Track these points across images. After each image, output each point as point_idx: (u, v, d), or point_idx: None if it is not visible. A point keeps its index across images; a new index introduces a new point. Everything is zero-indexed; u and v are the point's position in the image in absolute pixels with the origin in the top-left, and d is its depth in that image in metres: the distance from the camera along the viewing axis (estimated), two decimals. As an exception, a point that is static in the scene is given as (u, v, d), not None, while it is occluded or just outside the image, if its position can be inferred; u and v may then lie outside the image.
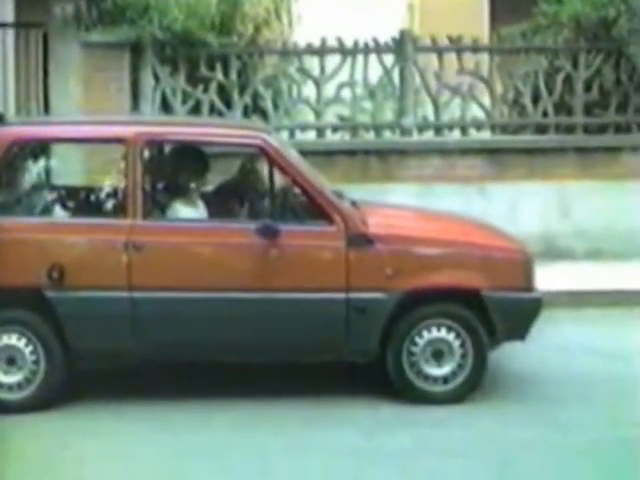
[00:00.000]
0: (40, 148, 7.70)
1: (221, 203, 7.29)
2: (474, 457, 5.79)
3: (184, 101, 10.86)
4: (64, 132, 7.16)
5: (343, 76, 11.11)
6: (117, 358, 6.79)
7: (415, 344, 6.59)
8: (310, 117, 11.23)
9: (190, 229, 6.74)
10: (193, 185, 7.01)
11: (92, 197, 7.34)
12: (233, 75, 10.93)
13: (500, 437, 6.09)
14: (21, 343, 6.48)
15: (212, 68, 10.92)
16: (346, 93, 11.12)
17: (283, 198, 6.96)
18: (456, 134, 11.32)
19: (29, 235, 6.57)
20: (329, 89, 11.10)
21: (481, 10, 15.23)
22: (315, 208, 6.62)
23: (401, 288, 6.52)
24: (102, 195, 7.19)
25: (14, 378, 6.49)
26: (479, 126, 11.44)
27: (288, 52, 11.23)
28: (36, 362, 6.49)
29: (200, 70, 10.90)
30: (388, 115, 11.22)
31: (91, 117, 8.99)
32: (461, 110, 11.25)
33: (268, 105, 10.95)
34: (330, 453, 5.85)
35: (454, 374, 6.62)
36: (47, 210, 7.06)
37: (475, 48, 11.40)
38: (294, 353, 6.77)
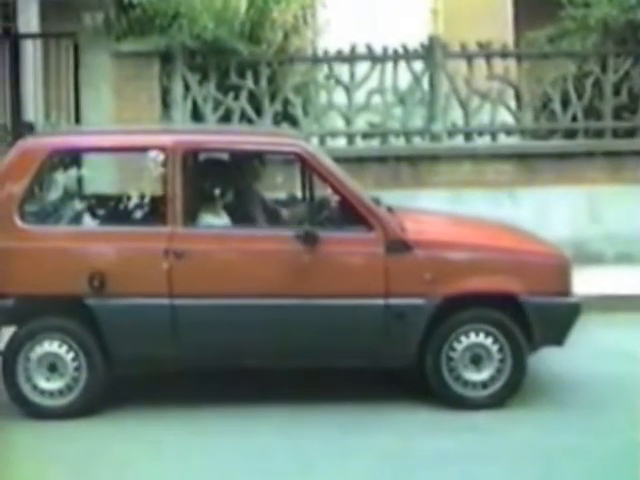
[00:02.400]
0: (76, 158, 7.77)
1: (257, 210, 7.31)
2: (513, 463, 5.79)
3: (215, 109, 10.94)
4: (103, 141, 7.25)
5: (373, 83, 11.17)
6: (157, 364, 6.86)
7: (454, 349, 6.61)
8: (340, 124, 11.29)
9: (229, 236, 6.80)
10: (231, 192, 7.08)
11: (131, 205, 7.39)
12: (263, 82, 11.00)
13: (539, 443, 6.09)
14: (62, 350, 6.55)
15: (242, 76, 11.00)
16: (376, 99, 11.18)
17: (321, 205, 7.02)
18: (486, 139, 11.35)
19: (70, 243, 6.63)
20: (359, 96, 11.15)
21: (505, 14, 15.21)
22: (353, 214, 6.65)
23: (440, 293, 6.55)
24: (141, 203, 7.25)
25: (56, 385, 6.56)
26: (509, 131, 11.47)
27: (318, 59, 11.30)
28: (77, 369, 6.56)
29: (230, 78, 10.98)
30: (418, 121, 11.25)
31: (125, 127, 9.09)
32: (490, 115, 11.28)
33: (298, 112, 11.03)
34: (370, 458, 5.88)
35: (493, 379, 6.63)
36: (87, 218, 7.12)
37: (504, 53, 11.43)
38: (334, 358, 6.80)
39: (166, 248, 6.50)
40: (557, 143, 11.26)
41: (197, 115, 10.94)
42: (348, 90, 11.15)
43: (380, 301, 6.53)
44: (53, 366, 6.57)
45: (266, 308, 6.54)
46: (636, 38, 11.23)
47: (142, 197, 7.26)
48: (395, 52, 11.17)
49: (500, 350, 6.63)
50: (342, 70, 11.25)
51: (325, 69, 11.32)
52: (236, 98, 10.96)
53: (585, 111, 11.33)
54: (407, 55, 11.21)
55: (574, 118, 11.34)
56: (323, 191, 7.00)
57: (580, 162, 11.06)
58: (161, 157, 6.74)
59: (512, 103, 11.50)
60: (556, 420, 6.47)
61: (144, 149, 7.01)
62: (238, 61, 10.95)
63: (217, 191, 7.04)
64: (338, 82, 11.21)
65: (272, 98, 11.03)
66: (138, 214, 7.24)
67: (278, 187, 8.25)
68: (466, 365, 6.63)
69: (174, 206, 6.57)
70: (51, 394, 6.56)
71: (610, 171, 11.07)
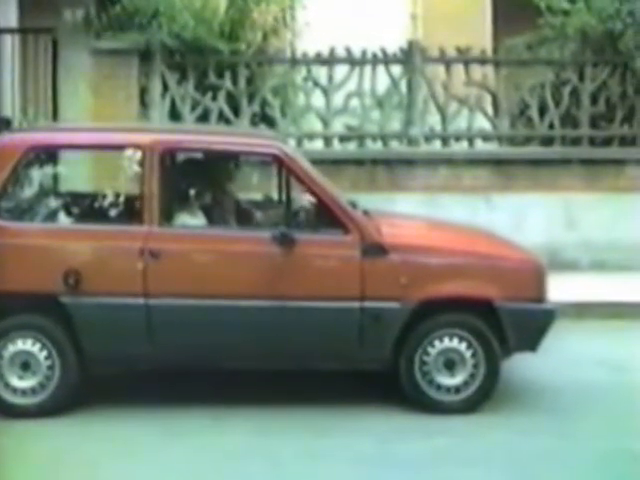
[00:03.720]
0: (53, 155, 7.73)
1: (234, 211, 7.32)
2: (487, 467, 5.80)
3: (193, 109, 10.93)
4: (81, 139, 7.21)
5: (351, 86, 11.20)
6: (131, 364, 6.83)
7: (427, 353, 6.61)
8: (318, 126, 11.31)
9: (206, 236, 6.77)
10: (208, 193, 7.07)
11: (108, 204, 7.32)
12: (242, 83, 11.00)
13: (512, 447, 6.10)
14: (35, 348, 6.50)
15: (221, 76, 10.99)
16: (354, 103, 11.19)
17: (298, 207, 7.02)
18: (463, 145, 11.40)
19: (45, 241, 6.59)
20: (337, 98, 11.17)
21: (484, 20, 15.28)
22: (330, 217, 6.63)
23: (415, 297, 6.55)
24: (118, 202, 7.21)
25: (28, 383, 6.51)
26: (486, 137, 11.52)
27: (297, 61, 11.29)
28: (50, 367, 6.51)
29: (209, 78, 10.96)
30: (395, 125, 11.28)
31: (103, 125, 9.02)
32: (468, 121, 11.32)
33: (276, 113, 11.02)
34: (343, 461, 5.87)
35: (466, 384, 6.64)
36: (63, 216, 7.07)
37: (482, 60, 11.48)
38: (308, 361, 6.81)
39: (142, 247, 6.47)
40: (534, 150, 11.32)
41: (175, 114, 10.91)
42: (326, 92, 11.16)
43: (356, 304, 6.52)
44: (26, 364, 6.51)
45: (241, 309, 6.51)
46: (614, 47, 11.29)
47: (118, 195, 7.21)
48: (374, 56, 11.19)
49: (474, 355, 6.63)
50: (320, 72, 11.26)
51: (303, 71, 11.32)
52: (214, 98, 10.94)
53: (562, 119, 11.39)
54: (386, 59, 11.24)
55: (551, 126, 11.39)
56: (300, 193, 6.98)
57: (556, 169, 11.12)
58: (138, 156, 6.69)
59: (490, 109, 11.54)
60: (528, 424, 6.50)
61: (122, 147, 6.96)
62: (217, 61, 10.94)
63: (194, 191, 7.03)
64: (316, 84, 11.23)
65: (250, 99, 11.03)
66: (114, 212, 7.18)
67: (254, 188, 8.17)
68: (439, 369, 6.63)
69: (150, 205, 6.55)
70: (23, 392, 6.51)
71: (586, 179, 11.13)
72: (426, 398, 6.64)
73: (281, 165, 6.89)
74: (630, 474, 5.74)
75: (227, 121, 10.88)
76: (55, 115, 10.89)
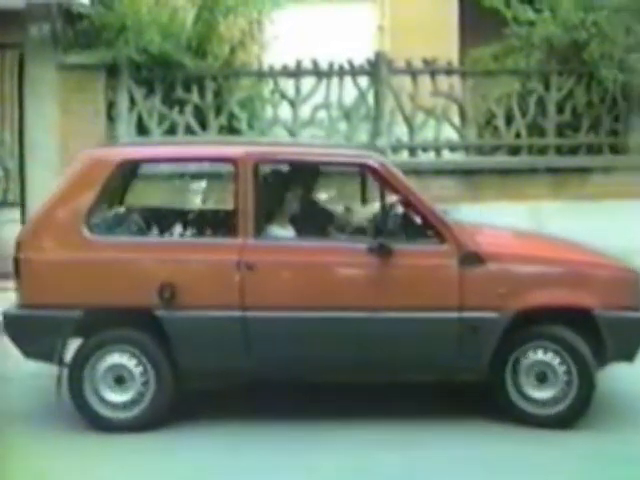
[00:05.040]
0: (145, 169, 7.70)
1: (329, 222, 7.34)
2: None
3: (160, 122, 10.93)
4: (173, 152, 7.23)
5: (318, 98, 11.23)
6: (227, 378, 6.85)
7: (519, 365, 6.53)
8: (285, 139, 11.30)
9: (302, 248, 6.68)
10: (301, 204, 7.12)
11: (201, 216, 7.35)
12: (209, 97, 11.02)
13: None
14: (130, 362, 6.46)
15: (188, 89, 10.99)
16: (321, 114, 11.23)
17: (394, 217, 6.91)
18: (430, 155, 11.45)
19: (139, 255, 6.52)
20: (304, 111, 11.20)
21: (450, 31, 15.38)
22: (427, 227, 6.60)
23: (514, 307, 6.46)
24: (211, 215, 7.19)
25: (123, 397, 6.48)
26: (453, 147, 11.58)
27: (264, 74, 11.33)
28: (145, 382, 6.47)
29: (176, 91, 10.97)
30: (363, 136, 11.30)
31: (190, 138, 9.31)
32: (435, 131, 11.38)
33: (243, 126, 11.04)
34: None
35: (559, 398, 6.53)
36: (155, 229, 7.06)
37: (449, 70, 11.54)
38: (407, 372, 6.83)
39: (238, 260, 6.40)
40: (500, 159, 11.39)
41: (142, 129, 10.91)
42: (293, 105, 11.19)
43: (454, 314, 6.44)
44: (120, 378, 6.47)
45: (337, 321, 6.45)
46: (579, 57, 11.37)
47: (212, 208, 7.18)
48: (341, 67, 11.23)
49: (567, 369, 6.51)
50: (288, 85, 11.29)
51: (271, 84, 11.35)
52: (181, 112, 10.96)
53: (529, 128, 11.47)
54: (353, 71, 11.28)
55: (518, 135, 11.48)
56: (393, 203, 6.88)
57: (523, 178, 11.18)
58: (232, 168, 6.62)
59: (456, 119, 11.60)
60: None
61: (215, 160, 7.01)
62: (184, 75, 10.96)
63: (287, 202, 7.02)
64: (283, 97, 11.26)
65: (217, 112, 11.05)
66: (209, 225, 7.18)
67: (346, 199, 8.11)
68: (531, 382, 6.54)
69: (245, 217, 6.46)
70: (118, 406, 6.47)
71: (553, 187, 11.21)
72: (518, 410, 6.55)
73: (377, 176, 6.75)
74: None
75: (194, 135, 10.88)
76: (21, 130, 10.88)
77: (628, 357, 6.70)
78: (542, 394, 6.53)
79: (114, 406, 6.47)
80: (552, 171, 11.26)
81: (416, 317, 6.44)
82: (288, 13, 12.12)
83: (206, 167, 9.46)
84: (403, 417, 6.66)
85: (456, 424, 6.56)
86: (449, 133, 11.51)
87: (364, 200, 7.75)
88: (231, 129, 11.06)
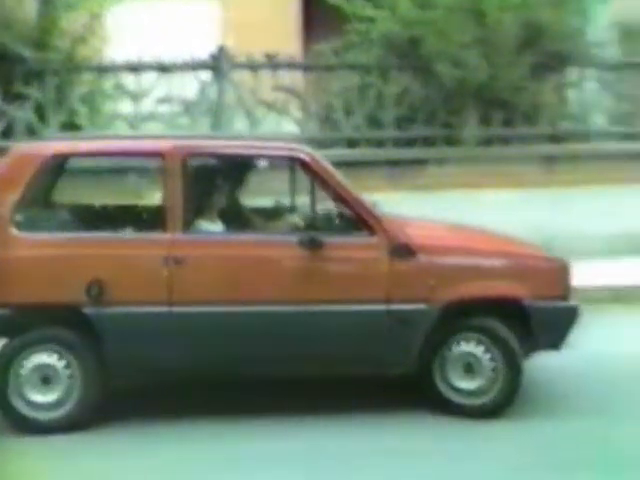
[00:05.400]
0: (74, 163, 7.44)
1: (259, 216, 7.36)
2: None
3: (-2, 119, 10.81)
4: (102, 147, 7.04)
5: (160, 92, 11.30)
6: (158, 375, 6.73)
7: (446, 357, 6.57)
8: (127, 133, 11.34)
9: (231, 242, 6.62)
10: (230, 198, 7.06)
11: (130, 211, 7.22)
12: (50, 91, 10.97)
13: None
14: (57, 362, 6.34)
15: (28, 84, 10.93)
16: (163, 109, 11.31)
17: (323, 210, 6.95)
18: (270, 149, 11.58)
19: (67, 251, 6.38)
20: (145, 105, 11.26)
21: (295, 27, 15.61)
22: (357, 220, 6.57)
23: (444, 299, 6.49)
24: (140, 209, 7.08)
25: (49, 397, 6.35)
26: (293, 140, 11.72)
27: (105, 68, 11.37)
28: (72, 381, 6.35)
29: (15, 86, 10.88)
30: (204, 131, 11.36)
31: (119, 133, 9.12)
32: (276, 125, 11.55)
33: (84, 122, 11.03)
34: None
35: (486, 388, 6.58)
36: (84, 226, 6.86)
37: (290, 64, 11.75)
38: (336, 366, 6.71)
39: (166, 255, 6.31)
40: (340, 152, 11.56)
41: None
42: (135, 99, 11.25)
43: (382, 306, 6.43)
44: (47, 378, 6.33)
45: (267, 315, 6.41)
46: (416, 53, 11.70)
47: (140, 203, 7.07)
48: (182, 62, 11.34)
49: (494, 360, 6.57)
50: (129, 80, 11.34)
51: (112, 78, 11.39)
52: (21, 107, 10.89)
53: (367, 121, 11.75)
54: (194, 65, 11.41)
55: (356, 128, 11.75)
56: (323, 196, 6.86)
57: (362, 170, 11.34)
58: (160, 162, 6.53)
59: (298, 113, 11.81)
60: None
61: (143, 154, 6.90)
62: (24, 69, 10.88)
63: (217, 196, 6.89)
64: (124, 92, 11.31)
65: (58, 107, 11.02)
66: (136, 220, 6.99)
67: (275, 193, 8.04)
68: (459, 373, 6.58)
69: (173, 212, 6.39)
70: (44, 407, 6.33)
71: (390, 179, 11.48)
72: (446, 401, 6.60)
73: (307, 169, 6.72)
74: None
75: (33, 131, 10.82)
76: None
77: (556, 346, 6.82)
78: (469, 385, 6.59)
79: (40, 407, 6.34)
80: (390, 163, 11.57)
81: (345, 310, 6.43)
82: (132, 8, 12.18)
83: (135, 162, 9.41)
84: (336, 411, 6.66)
85: (388, 416, 6.59)
86: (290, 127, 11.70)
87: (294, 193, 7.74)
88: (72, 125, 11.02)
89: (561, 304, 6.75)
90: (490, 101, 11.73)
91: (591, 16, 12.65)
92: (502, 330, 6.59)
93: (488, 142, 11.89)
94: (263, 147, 7.08)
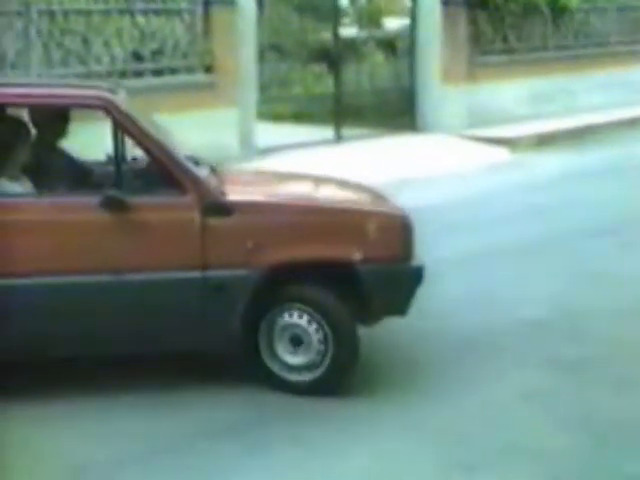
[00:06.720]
0: None
1: (53, 174, 6.29)
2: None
3: None
4: None
5: None
6: None
7: (272, 329, 5.95)
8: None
9: (19, 206, 5.77)
10: (33, 154, 6.08)
11: None
12: None
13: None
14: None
15: None
16: None
17: (131, 166, 6.15)
18: None
19: None
20: None
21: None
22: (166, 176, 5.78)
23: (265, 263, 5.80)
24: None
25: None
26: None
27: None
28: None
29: None
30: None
31: None
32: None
33: None
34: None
35: (314, 364, 5.96)
36: None
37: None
38: (151, 342, 5.95)
39: None
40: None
41: None
42: None
43: (196, 273, 5.75)
44: None
45: (68, 287, 5.66)
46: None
47: None
48: None
49: (321, 332, 5.92)
50: None
51: None
52: None
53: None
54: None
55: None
56: (129, 149, 6.15)
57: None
58: None
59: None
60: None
61: None
62: None
63: (17, 153, 5.95)
64: None
65: None
66: None
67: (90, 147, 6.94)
68: (286, 347, 5.96)
69: None
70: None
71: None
72: (275, 378, 5.99)
73: (109, 117, 5.82)
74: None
75: None
76: None
77: (400, 312, 6.19)
78: (297, 360, 5.97)
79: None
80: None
81: (155, 279, 5.74)
82: None
83: None
84: (149, 390, 5.99)
85: (210, 393, 5.97)
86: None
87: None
88: None
89: (400, 266, 6.09)
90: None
91: None
92: (329, 299, 5.92)
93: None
94: (60, 95, 6.21)
